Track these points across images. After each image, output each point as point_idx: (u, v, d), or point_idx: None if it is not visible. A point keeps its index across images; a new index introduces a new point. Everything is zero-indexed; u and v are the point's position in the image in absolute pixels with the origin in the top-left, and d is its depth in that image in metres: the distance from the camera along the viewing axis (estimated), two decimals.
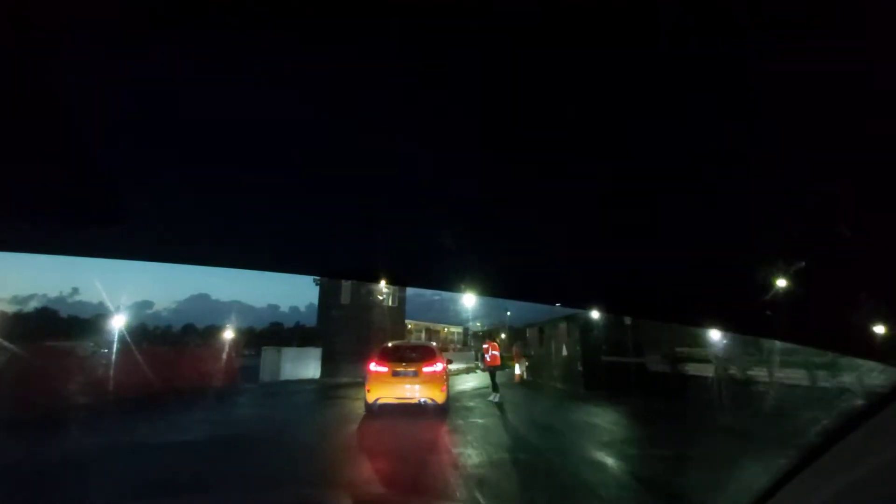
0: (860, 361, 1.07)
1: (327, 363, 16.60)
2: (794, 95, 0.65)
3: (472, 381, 15.84)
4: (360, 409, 8.60)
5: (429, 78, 0.71)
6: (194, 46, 0.66)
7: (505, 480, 4.34)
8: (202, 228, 1.31)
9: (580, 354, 12.30)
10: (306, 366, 16.05)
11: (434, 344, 10.90)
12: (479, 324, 32.36)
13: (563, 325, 13.73)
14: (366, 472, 4.65)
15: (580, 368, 12.17)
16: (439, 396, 7.71)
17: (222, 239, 1.39)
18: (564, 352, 13.50)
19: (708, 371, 9.05)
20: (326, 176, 0.99)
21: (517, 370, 15.80)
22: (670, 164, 0.85)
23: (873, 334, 0.88)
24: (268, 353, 14.87)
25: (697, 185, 0.90)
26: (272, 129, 0.84)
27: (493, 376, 10.64)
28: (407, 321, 21.81)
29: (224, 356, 13.71)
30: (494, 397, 10.15)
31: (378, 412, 7.77)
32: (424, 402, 7.62)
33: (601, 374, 11.45)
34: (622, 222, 1.08)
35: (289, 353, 15.65)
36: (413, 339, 16.75)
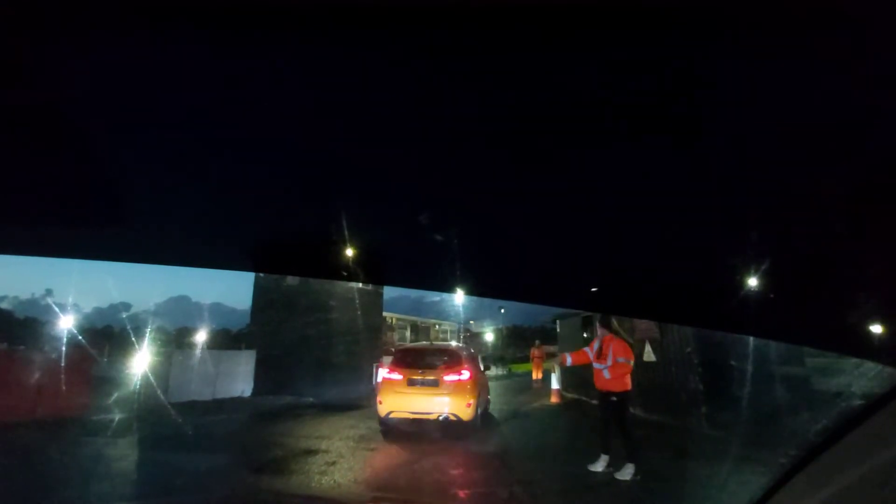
0: None
1: (265, 374, 10.93)
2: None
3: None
4: None
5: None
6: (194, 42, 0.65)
7: None
8: (196, 229, 1.33)
9: (696, 362, 7.02)
10: (231, 378, 10.32)
11: (461, 345, 8.17)
12: (472, 322, 27.27)
13: None
14: None
15: (698, 387, 6.90)
16: (464, 412, 6.01)
17: (207, 239, 1.40)
18: (649, 356, 8.23)
19: None
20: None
21: (554, 384, 10.44)
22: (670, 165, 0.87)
23: (872, 334, 0.89)
24: (158, 361, 8.94)
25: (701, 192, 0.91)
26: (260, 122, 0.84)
27: (623, 413, 4.68)
28: (386, 314, 16.12)
29: (81, 366, 7.95)
30: (623, 471, 4.28)
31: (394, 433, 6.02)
32: (445, 418, 5.98)
33: (740, 400, 6.20)
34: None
35: (193, 358, 9.68)
36: (437, 340, 10.88)
